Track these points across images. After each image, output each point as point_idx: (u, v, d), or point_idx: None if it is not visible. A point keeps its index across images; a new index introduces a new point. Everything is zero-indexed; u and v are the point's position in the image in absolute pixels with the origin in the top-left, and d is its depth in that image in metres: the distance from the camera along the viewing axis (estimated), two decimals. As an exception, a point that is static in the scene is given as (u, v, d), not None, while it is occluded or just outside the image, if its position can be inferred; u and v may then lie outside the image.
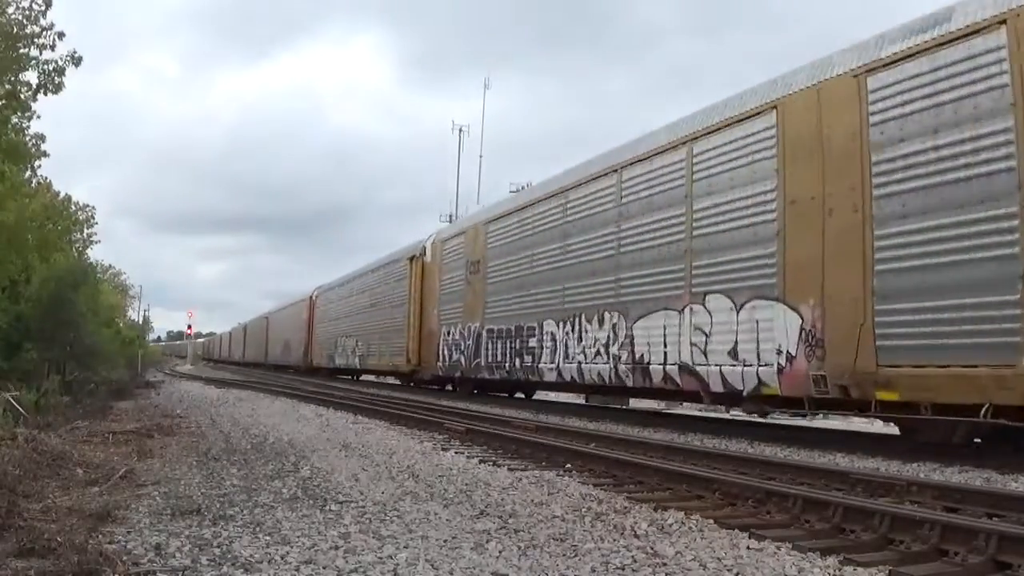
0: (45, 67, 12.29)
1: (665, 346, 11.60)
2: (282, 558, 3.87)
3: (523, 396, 19.82)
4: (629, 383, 12.49)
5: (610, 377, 12.90)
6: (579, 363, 13.73)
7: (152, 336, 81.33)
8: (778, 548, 4.33)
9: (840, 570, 3.95)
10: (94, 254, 31.62)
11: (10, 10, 12.12)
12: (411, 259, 23.36)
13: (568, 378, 14.33)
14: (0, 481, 5.25)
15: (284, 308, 47.67)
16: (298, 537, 4.33)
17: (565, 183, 15.17)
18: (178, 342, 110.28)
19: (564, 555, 4.13)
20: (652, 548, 4.27)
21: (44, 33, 12.23)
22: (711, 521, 5.00)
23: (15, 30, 12.11)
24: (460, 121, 65.34)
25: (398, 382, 27.13)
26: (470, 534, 4.54)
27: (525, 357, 15.76)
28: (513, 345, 16.42)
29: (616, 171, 13.31)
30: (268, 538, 4.29)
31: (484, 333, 17.91)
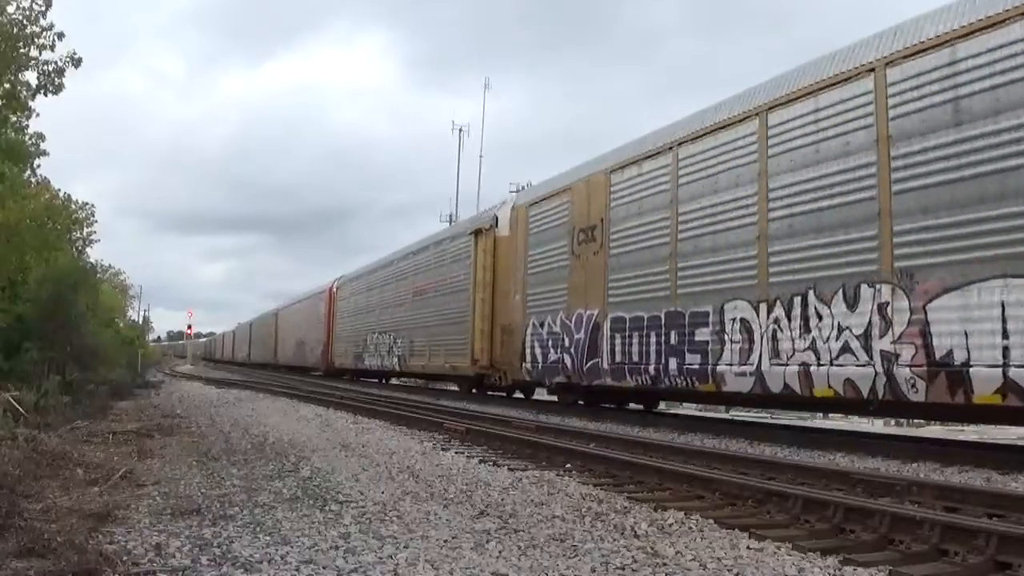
0: (45, 67, 12.30)
1: (1005, 336, 7.28)
2: (282, 558, 3.87)
3: (670, 412, 15.70)
4: (916, 395, 8.06)
5: (875, 387, 8.46)
6: (804, 364, 9.38)
7: (152, 336, 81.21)
8: (778, 548, 4.33)
9: (840, 570, 3.95)
10: (94, 253, 31.59)
11: (10, 9, 12.12)
12: (476, 232, 18.88)
13: (777, 386, 9.76)
14: (0, 481, 5.25)
15: (296, 303, 43.22)
16: (298, 537, 4.33)
17: (776, 94, 10.34)
18: (178, 342, 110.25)
19: (564, 555, 4.12)
20: (652, 548, 4.27)
21: (44, 33, 12.24)
22: (711, 521, 5.00)
23: (15, 30, 12.10)
24: (465, 122, 65.39)
25: (455, 388, 22.55)
26: (470, 534, 4.54)
27: (687, 357, 11.37)
28: (661, 339, 11.93)
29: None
30: (268, 538, 4.29)
31: (607, 323, 13.27)
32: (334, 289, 34.05)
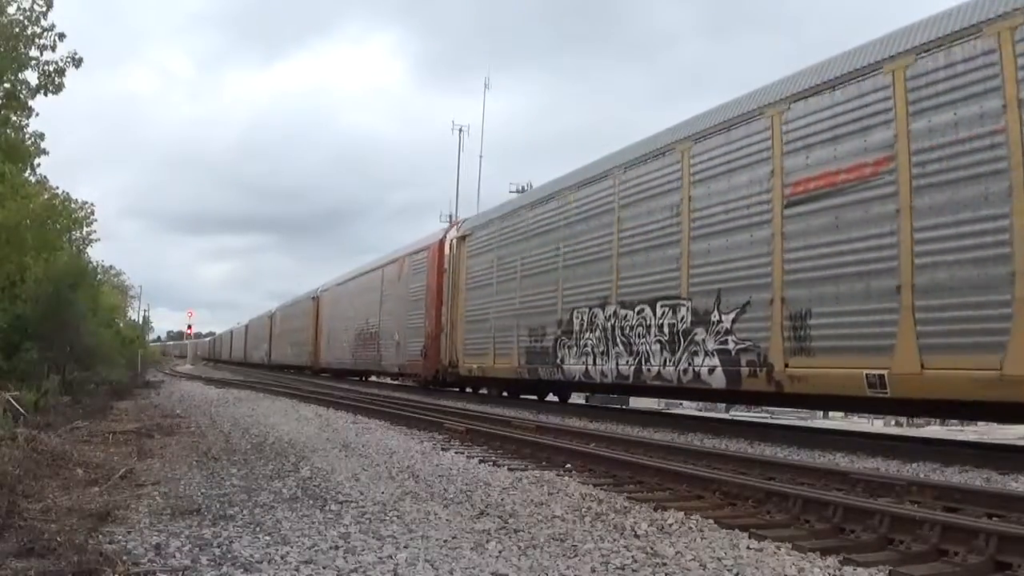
0: (45, 68, 12.30)
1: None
2: (282, 558, 3.87)
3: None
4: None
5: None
6: None
7: (152, 336, 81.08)
8: (778, 548, 4.33)
9: (840, 570, 3.95)
10: (95, 253, 31.57)
11: (10, 10, 12.12)
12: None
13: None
14: (0, 481, 5.25)
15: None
16: (298, 537, 4.33)
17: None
18: (178, 342, 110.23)
19: (564, 555, 4.13)
20: (652, 548, 4.27)
21: (45, 34, 12.24)
22: (711, 521, 5.00)
23: (16, 30, 12.10)
24: (473, 122, 65.28)
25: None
26: (470, 534, 4.54)
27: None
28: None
29: None
30: (268, 538, 4.29)
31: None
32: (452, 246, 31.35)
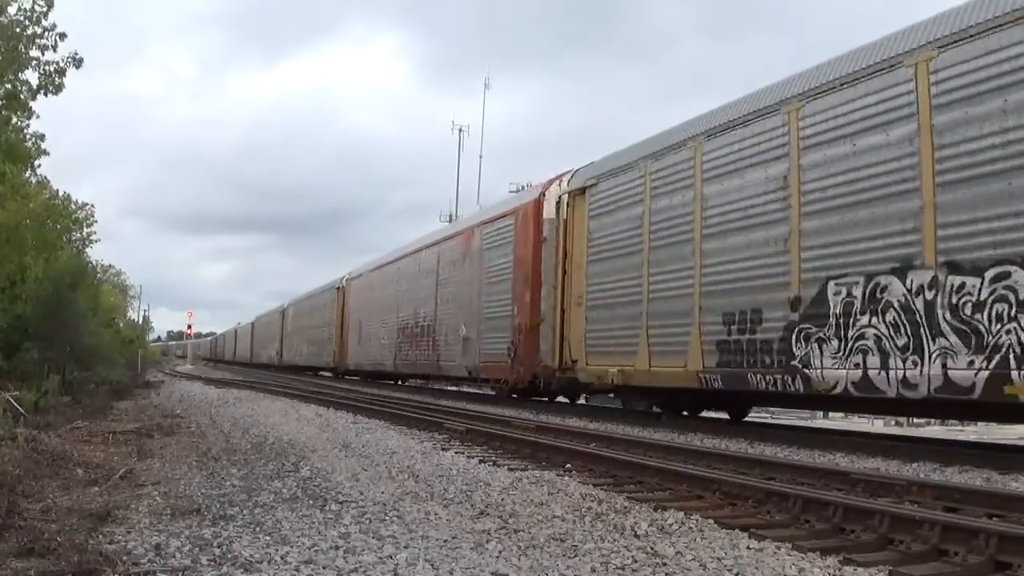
0: (46, 68, 12.32)
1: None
2: (282, 558, 3.87)
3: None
4: None
5: None
6: None
7: (152, 336, 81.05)
8: (778, 548, 4.33)
9: (840, 570, 3.95)
10: (95, 253, 31.59)
11: (11, 10, 12.14)
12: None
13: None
14: (0, 481, 5.25)
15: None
16: (298, 537, 4.33)
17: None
18: (178, 342, 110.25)
19: (564, 555, 4.13)
20: (652, 548, 4.27)
21: (45, 34, 12.26)
22: (711, 521, 5.00)
23: (16, 30, 12.12)
24: (474, 122, 65.23)
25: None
26: (470, 534, 4.54)
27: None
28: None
29: None
30: (268, 538, 4.29)
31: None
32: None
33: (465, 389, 22.39)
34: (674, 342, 11.63)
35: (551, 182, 15.91)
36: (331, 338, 33.13)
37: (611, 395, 14.87)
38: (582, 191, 14.38)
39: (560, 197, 15.27)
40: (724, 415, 13.29)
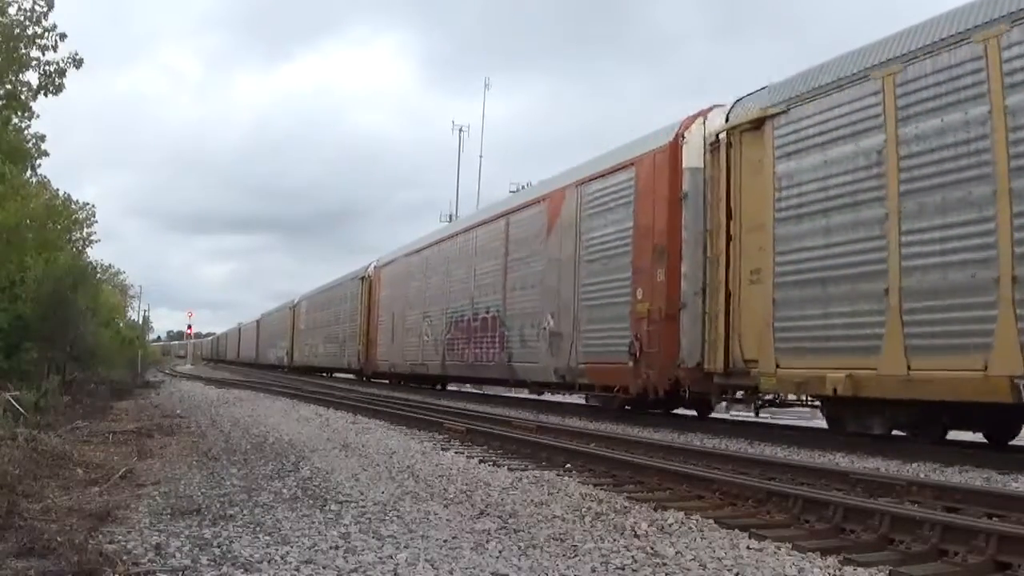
0: (46, 68, 12.32)
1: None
2: (282, 558, 3.87)
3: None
4: None
5: None
6: None
7: (152, 336, 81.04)
8: (778, 548, 4.33)
9: (840, 570, 3.95)
10: (95, 253, 31.60)
11: (11, 11, 12.14)
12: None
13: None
14: (0, 481, 5.25)
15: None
16: (298, 537, 4.33)
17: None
18: (178, 342, 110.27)
19: (564, 555, 4.12)
20: (652, 548, 4.27)
21: (46, 34, 12.25)
22: (711, 521, 5.00)
23: (17, 31, 12.12)
24: (477, 122, 65.20)
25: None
26: (470, 534, 4.54)
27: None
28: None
29: None
30: (268, 538, 4.29)
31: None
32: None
33: (550, 398, 17.87)
34: (959, 332, 7.75)
35: (691, 120, 11.77)
36: (355, 335, 28.55)
37: (817, 408, 10.60)
38: (757, 124, 10.27)
39: (718, 137, 11.10)
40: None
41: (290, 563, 3.79)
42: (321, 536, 4.36)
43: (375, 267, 27.53)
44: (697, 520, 5.02)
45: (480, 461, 7.79)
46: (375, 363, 26.25)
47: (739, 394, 11.12)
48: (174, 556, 3.85)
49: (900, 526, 4.51)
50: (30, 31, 12.21)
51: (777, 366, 9.62)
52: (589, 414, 14.05)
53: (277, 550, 4.02)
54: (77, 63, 12.44)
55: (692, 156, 11.62)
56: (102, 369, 23.99)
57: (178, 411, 13.73)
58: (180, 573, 3.60)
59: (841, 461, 7.93)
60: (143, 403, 16.14)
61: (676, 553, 4.17)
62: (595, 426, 11.72)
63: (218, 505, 5.16)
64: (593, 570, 3.85)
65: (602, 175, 13.61)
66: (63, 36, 12.27)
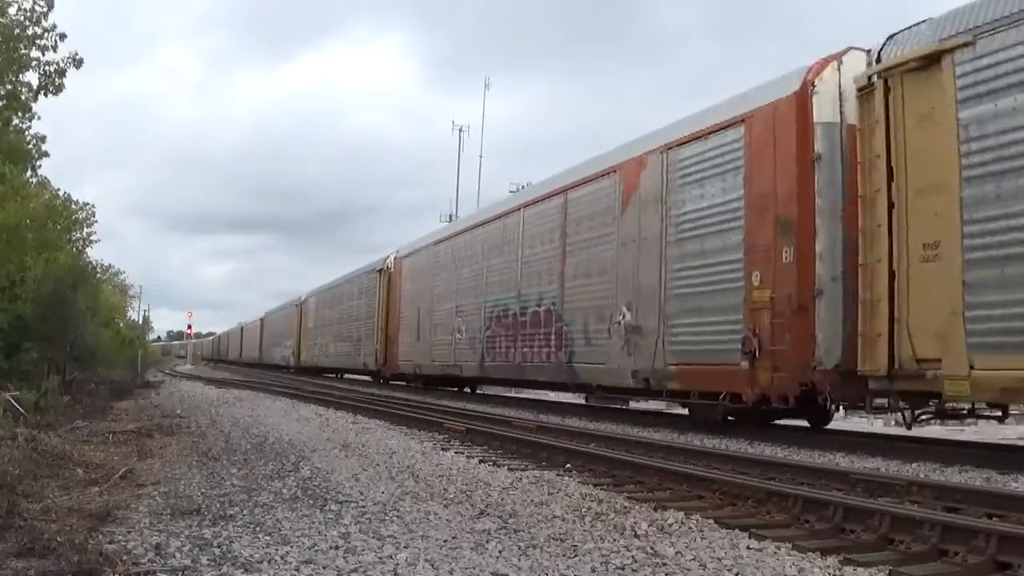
0: (46, 68, 12.32)
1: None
2: (282, 558, 3.87)
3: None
4: None
5: None
6: None
7: (152, 336, 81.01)
8: (778, 548, 4.33)
9: (840, 570, 3.95)
10: (95, 253, 31.58)
11: (11, 11, 12.14)
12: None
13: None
14: (0, 481, 5.25)
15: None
16: (298, 537, 4.33)
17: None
18: (178, 342, 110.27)
19: (564, 555, 4.13)
20: (652, 548, 4.27)
21: (46, 34, 12.25)
22: (711, 521, 5.00)
23: (17, 31, 12.12)
24: (478, 122, 65.16)
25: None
26: (470, 534, 4.54)
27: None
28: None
29: None
30: (268, 538, 4.29)
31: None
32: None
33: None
34: None
35: (822, 65, 9.62)
36: (371, 333, 26.24)
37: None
38: (929, 62, 8.23)
39: (870, 80, 8.97)
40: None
41: (290, 563, 3.79)
42: (321, 536, 4.37)
43: (395, 258, 24.97)
44: (697, 520, 5.02)
45: (480, 461, 7.79)
46: (395, 363, 23.79)
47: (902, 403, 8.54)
48: (174, 556, 3.86)
49: (900, 526, 4.51)
50: (30, 31, 12.21)
51: (971, 367, 7.42)
52: (589, 414, 14.05)
53: (277, 550, 4.02)
54: (77, 63, 12.43)
55: (825, 108, 9.45)
56: (102, 369, 23.99)
57: (178, 411, 13.73)
58: (180, 573, 3.60)
59: (841, 461, 7.93)
60: (143, 403, 16.14)
61: (676, 553, 4.17)
62: (595, 426, 11.72)
63: (218, 505, 5.16)
64: (593, 570, 3.85)
65: (698, 136, 11.27)
66: (63, 36, 12.27)
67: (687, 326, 11.05)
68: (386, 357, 24.56)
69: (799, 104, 9.55)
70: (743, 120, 10.42)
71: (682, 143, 11.56)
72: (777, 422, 11.23)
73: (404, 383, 24.23)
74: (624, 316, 12.41)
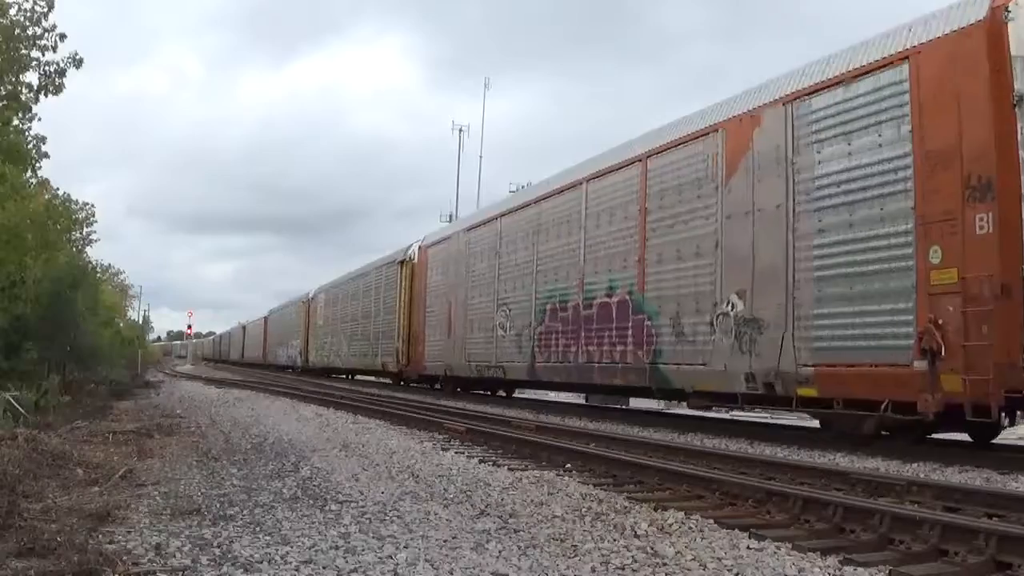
0: (46, 68, 12.31)
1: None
2: (282, 558, 3.87)
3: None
4: None
5: None
6: None
7: (152, 336, 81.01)
8: (778, 548, 4.33)
9: (840, 570, 3.95)
10: (95, 253, 31.60)
11: (12, 11, 12.13)
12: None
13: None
14: (0, 481, 5.25)
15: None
16: (298, 537, 4.33)
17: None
18: (178, 342, 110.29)
19: (564, 555, 4.13)
20: (652, 548, 4.27)
21: (46, 35, 12.25)
22: (711, 521, 5.00)
23: (17, 32, 12.12)
24: (479, 122, 65.23)
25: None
26: (470, 534, 4.54)
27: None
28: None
29: None
30: (268, 538, 4.29)
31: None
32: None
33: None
34: None
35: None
36: (391, 331, 23.77)
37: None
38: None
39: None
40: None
41: (290, 563, 3.79)
42: (321, 536, 4.37)
43: (420, 247, 22.46)
44: (697, 520, 5.02)
45: (480, 461, 7.79)
46: (421, 364, 21.35)
47: None
48: (174, 556, 3.86)
49: (900, 526, 4.51)
50: (30, 32, 12.20)
51: None
52: (589, 414, 14.04)
53: (277, 550, 4.02)
54: (77, 63, 12.42)
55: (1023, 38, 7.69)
56: (102, 369, 23.99)
57: (178, 411, 13.73)
58: (180, 573, 3.60)
59: (841, 461, 7.92)
60: (143, 403, 16.14)
61: (676, 553, 4.17)
62: (595, 426, 11.72)
63: (218, 505, 5.16)
64: (593, 570, 3.85)
65: (837, 82, 9.24)
66: (63, 36, 12.26)
67: (829, 317, 8.98)
68: (409, 357, 22.28)
69: (990, 34, 7.78)
70: (906, 57, 8.49)
71: (814, 91, 9.52)
72: (933, 435, 9.01)
73: (429, 386, 22.08)
74: (733, 306, 10.34)
